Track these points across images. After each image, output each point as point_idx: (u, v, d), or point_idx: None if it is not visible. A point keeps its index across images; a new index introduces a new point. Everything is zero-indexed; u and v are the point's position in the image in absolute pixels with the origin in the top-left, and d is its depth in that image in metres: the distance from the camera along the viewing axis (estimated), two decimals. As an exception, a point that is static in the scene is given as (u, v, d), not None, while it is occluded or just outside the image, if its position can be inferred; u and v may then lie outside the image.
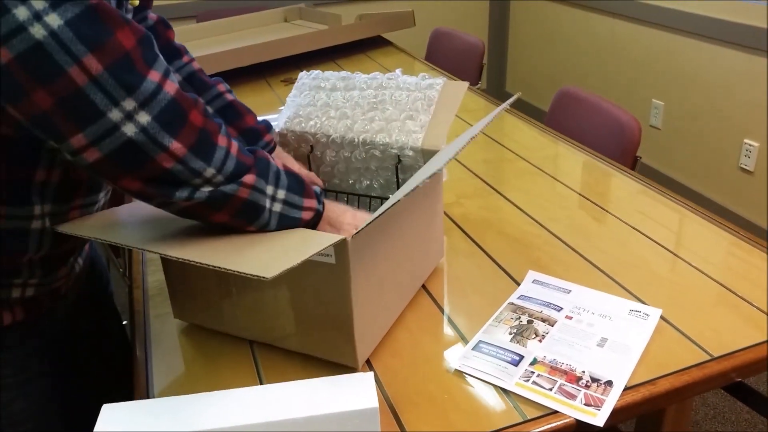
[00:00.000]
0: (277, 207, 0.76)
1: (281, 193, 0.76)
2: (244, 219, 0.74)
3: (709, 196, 2.78)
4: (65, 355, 0.91)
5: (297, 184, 0.79)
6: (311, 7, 2.92)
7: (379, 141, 1.02)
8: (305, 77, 1.17)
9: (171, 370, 0.89)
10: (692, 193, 2.86)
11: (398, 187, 1.03)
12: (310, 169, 1.12)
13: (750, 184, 2.59)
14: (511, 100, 0.89)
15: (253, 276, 0.62)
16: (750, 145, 2.54)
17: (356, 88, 1.11)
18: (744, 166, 2.59)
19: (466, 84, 1.03)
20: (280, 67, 2.31)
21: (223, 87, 1.04)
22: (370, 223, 0.73)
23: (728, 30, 2.54)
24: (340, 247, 0.75)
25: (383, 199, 1.06)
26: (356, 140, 1.04)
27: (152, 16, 1.01)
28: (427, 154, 0.99)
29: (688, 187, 2.89)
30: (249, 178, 0.72)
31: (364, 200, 1.08)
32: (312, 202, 0.80)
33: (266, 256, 0.69)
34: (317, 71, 1.18)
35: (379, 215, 0.73)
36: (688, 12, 2.71)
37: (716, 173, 2.74)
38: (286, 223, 0.78)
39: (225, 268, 0.65)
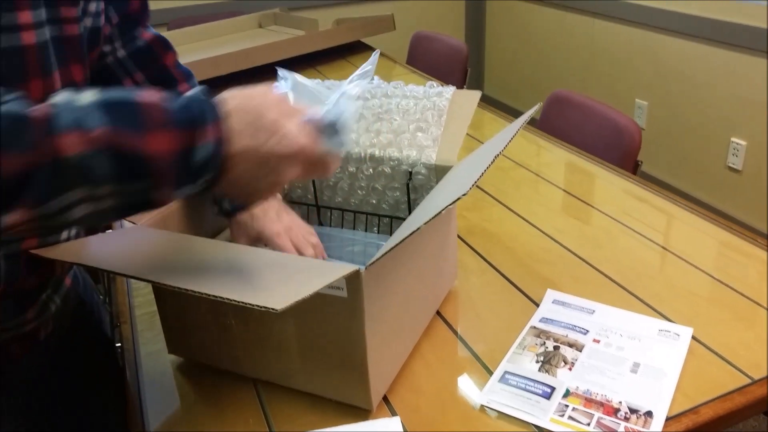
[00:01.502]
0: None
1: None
2: None
3: (697, 196, 2.77)
4: (42, 413, 0.80)
5: (124, 116, 0.51)
6: (286, 12, 2.83)
7: (388, 156, 0.95)
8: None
9: (169, 415, 0.81)
10: (680, 193, 2.84)
11: (409, 208, 0.96)
12: (314, 187, 1.03)
13: (739, 183, 2.58)
14: (531, 111, 0.83)
15: (261, 308, 0.55)
16: (737, 143, 2.53)
17: (359, 98, 1.04)
18: (732, 165, 2.58)
19: (478, 93, 0.97)
20: (258, 76, 2.22)
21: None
22: (385, 254, 0.66)
23: (711, 27, 2.53)
24: (353, 279, 0.67)
25: (393, 218, 0.99)
26: (363, 155, 0.96)
27: (146, 34, 0.85)
28: (440, 171, 0.92)
29: (676, 187, 2.87)
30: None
31: (372, 219, 1.01)
32: (161, 138, 0.51)
33: (272, 286, 0.62)
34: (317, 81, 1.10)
35: (396, 245, 0.65)
36: (670, 10, 2.69)
37: (704, 173, 2.72)
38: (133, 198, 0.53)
39: (229, 299, 0.57)
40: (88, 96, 0.50)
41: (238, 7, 3.16)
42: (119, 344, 0.94)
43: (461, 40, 4.00)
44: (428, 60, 2.59)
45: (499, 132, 0.88)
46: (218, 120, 0.54)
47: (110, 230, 0.81)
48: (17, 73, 0.58)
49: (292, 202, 1.07)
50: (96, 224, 0.56)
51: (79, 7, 0.67)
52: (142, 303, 1.03)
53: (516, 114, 3.99)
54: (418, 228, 0.63)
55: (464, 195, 0.59)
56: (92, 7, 0.71)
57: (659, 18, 2.75)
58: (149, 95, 0.53)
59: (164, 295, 0.84)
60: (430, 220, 0.62)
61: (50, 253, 0.68)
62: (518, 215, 1.25)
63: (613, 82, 3.11)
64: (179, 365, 0.89)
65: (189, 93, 0.55)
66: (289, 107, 0.58)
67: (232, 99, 0.56)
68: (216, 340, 0.82)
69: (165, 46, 0.86)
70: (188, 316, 0.83)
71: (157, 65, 0.84)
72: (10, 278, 0.69)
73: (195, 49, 2.45)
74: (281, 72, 0.84)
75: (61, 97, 0.50)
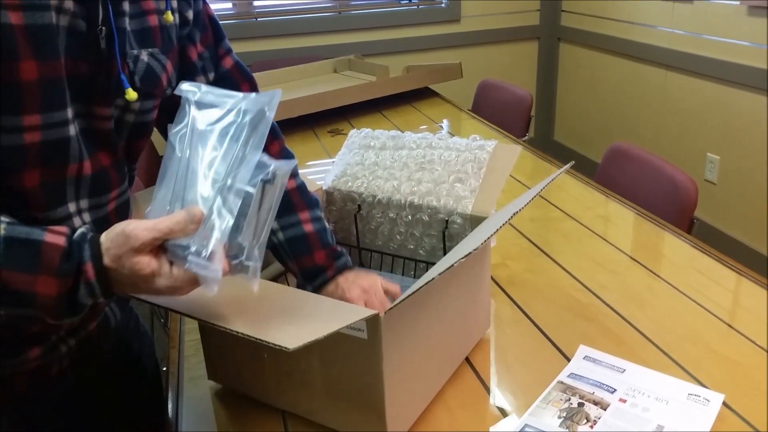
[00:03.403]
0: None
1: None
2: None
3: (770, 256, 2.65)
4: None
5: (21, 259, 0.59)
6: (360, 58, 2.95)
7: (426, 205, 0.99)
8: (355, 135, 1.16)
9: (202, 439, 0.86)
10: (750, 251, 2.73)
11: (444, 255, 0.99)
12: (357, 229, 1.09)
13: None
14: (560, 172, 0.85)
15: (275, 346, 0.59)
16: (814, 204, 2.42)
17: (405, 148, 1.09)
18: (808, 226, 2.46)
19: (519, 148, 1.00)
20: (328, 118, 2.33)
21: None
22: (404, 299, 0.69)
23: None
24: (372, 322, 0.71)
25: (428, 263, 1.02)
26: (403, 202, 1.01)
27: (227, 62, 0.91)
28: (475, 221, 0.95)
29: (746, 245, 2.76)
30: None
31: (410, 264, 1.04)
32: (47, 283, 0.60)
33: (294, 326, 0.66)
34: (367, 129, 1.17)
35: (413, 292, 0.69)
36: (743, 64, 2.63)
37: (777, 232, 2.61)
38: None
39: (249, 336, 0.62)
40: (0, 229, 0.59)
41: (316, 52, 3.32)
42: (165, 368, 1.01)
43: (532, 86, 4.02)
44: (492, 108, 2.63)
45: (535, 186, 0.90)
46: (97, 260, 0.61)
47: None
48: (16, 164, 0.64)
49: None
50: None
51: (112, 106, 0.72)
52: (193, 329, 1.10)
53: (586, 162, 3.90)
54: (433, 279, 0.66)
55: (475, 251, 0.62)
56: (136, 106, 0.75)
57: (732, 72, 2.69)
58: (56, 236, 0.61)
59: (206, 325, 0.90)
60: (444, 272, 0.65)
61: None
62: (562, 267, 1.25)
63: (684, 135, 3.04)
64: (217, 391, 0.94)
65: (76, 236, 0.62)
66: (152, 267, 0.61)
67: (108, 248, 0.62)
68: (250, 370, 0.87)
69: (242, 72, 0.93)
70: (227, 345, 0.89)
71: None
72: (4, 328, 0.72)
73: (271, 91, 2.59)
74: (183, 90, 0.72)
75: None
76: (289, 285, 1.04)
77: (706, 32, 2.82)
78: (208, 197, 0.64)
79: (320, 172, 1.85)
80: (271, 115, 0.68)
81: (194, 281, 0.63)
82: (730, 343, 0.99)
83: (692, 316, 1.07)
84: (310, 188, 1.11)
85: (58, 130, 0.65)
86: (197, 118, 0.69)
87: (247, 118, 0.68)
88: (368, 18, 3.54)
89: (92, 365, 0.87)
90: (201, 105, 0.70)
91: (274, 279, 1.02)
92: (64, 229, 0.63)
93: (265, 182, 0.66)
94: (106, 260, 0.61)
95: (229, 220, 0.63)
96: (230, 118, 0.68)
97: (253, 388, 0.89)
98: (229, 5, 3.33)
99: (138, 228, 0.61)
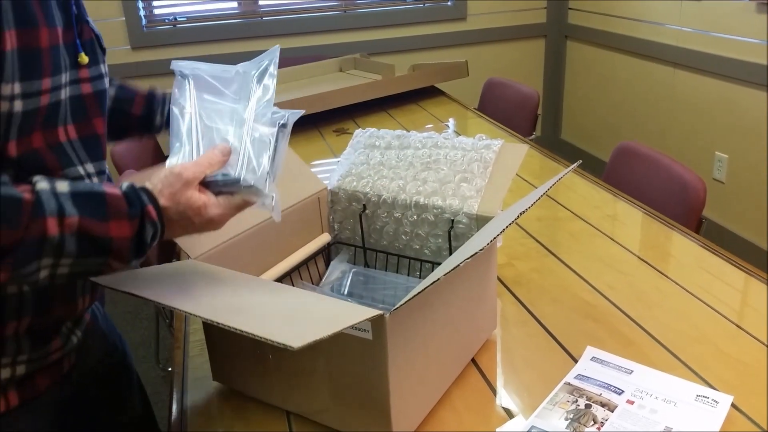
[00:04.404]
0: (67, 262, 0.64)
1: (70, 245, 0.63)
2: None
3: (779, 255, 2.63)
4: None
5: (92, 208, 0.64)
6: (366, 57, 2.94)
7: (432, 204, 0.98)
8: (360, 135, 1.16)
9: (207, 440, 0.86)
10: (759, 251, 2.71)
11: (450, 254, 0.99)
12: (362, 229, 1.08)
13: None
14: (567, 171, 0.84)
15: (280, 344, 0.59)
16: (824, 203, 2.39)
17: (411, 147, 1.09)
18: (818, 225, 2.44)
19: (526, 147, 0.99)
20: (333, 117, 2.33)
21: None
22: (409, 299, 0.69)
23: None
24: (378, 323, 0.71)
25: (434, 264, 1.02)
26: (408, 201, 1.00)
27: None
28: (481, 221, 0.95)
29: (755, 244, 2.74)
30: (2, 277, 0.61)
31: (415, 264, 1.04)
32: (121, 226, 0.65)
33: (298, 325, 0.66)
34: (372, 129, 1.16)
35: (419, 292, 0.68)
36: (752, 62, 2.61)
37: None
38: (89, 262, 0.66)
39: (253, 334, 0.62)
40: (65, 186, 0.64)
41: (321, 51, 3.31)
42: (170, 368, 1.00)
43: (539, 85, 4.01)
44: (499, 106, 2.62)
45: (542, 185, 0.89)
46: (154, 202, 0.69)
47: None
48: (25, 129, 0.67)
49: (340, 242, 1.12)
50: (45, 284, 0.68)
51: (91, 68, 0.75)
52: (197, 330, 1.09)
53: (594, 161, 3.88)
54: (438, 279, 0.65)
55: (481, 251, 0.61)
56: (102, 69, 0.79)
57: (741, 69, 2.67)
58: (111, 187, 0.68)
59: (211, 325, 0.90)
60: (450, 272, 0.64)
61: (102, 281, 0.75)
62: (569, 268, 1.24)
63: (692, 133, 3.02)
64: (222, 392, 0.94)
65: (125, 188, 0.69)
66: (198, 199, 0.71)
67: (160, 189, 0.70)
68: (254, 371, 0.87)
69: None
70: (231, 346, 0.88)
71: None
72: (38, 310, 0.74)
73: (279, 90, 2.58)
74: (177, 66, 0.80)
75: (43, 184, 0.63)
76: (294, 285, 1.04)
77: (715, 29, 2.80)
78: (236, 139, 0.75)
79: (325, 172, 1.85)
80: (274, 70, 0.78)
81: (239, 206, 0.74)
82: (738, 344, 0.98)
83: (701, 317, 1.06)
84: (315, 187, 1.10)
85: (57, 93, 0.69)
86: (198, 87, 0.78)
87: (250, 76, 0.78)
88: (374, 16, 3.54)
89: (91, 361, 0.89)
90: (198, 78, 0.78)
91: (279, 280, 1.02)
92: (112, 183, 0.69)
93: (281, 126, 0.77)
94: (162, 201, 0.69)
95: (270, 151, 0.75)
96: (234, 80, 0.78)
97: (257, 389, 0.89)
98: (235, 4, 3.33)
99: (185, 166, 0.71)
